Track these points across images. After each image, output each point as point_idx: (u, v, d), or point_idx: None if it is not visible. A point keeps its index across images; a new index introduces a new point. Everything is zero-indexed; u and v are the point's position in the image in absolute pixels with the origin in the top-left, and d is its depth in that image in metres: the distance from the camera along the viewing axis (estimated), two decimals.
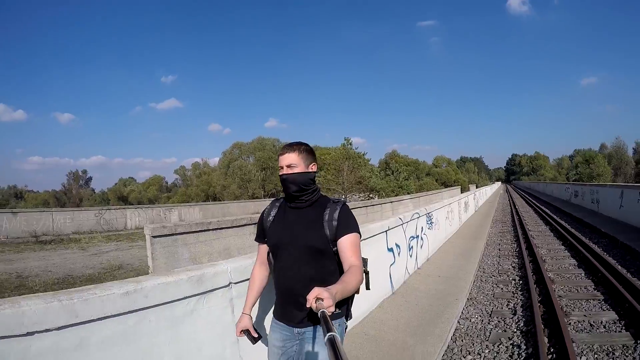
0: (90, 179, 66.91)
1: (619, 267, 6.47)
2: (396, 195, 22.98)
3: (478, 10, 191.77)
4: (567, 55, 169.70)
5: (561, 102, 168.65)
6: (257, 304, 2.00)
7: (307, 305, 1.23)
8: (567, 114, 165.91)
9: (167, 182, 69.83)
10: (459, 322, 4.37)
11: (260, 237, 1.86)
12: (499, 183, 71.28)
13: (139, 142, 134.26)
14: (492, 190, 35.03)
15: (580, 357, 3.40)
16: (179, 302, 1.93)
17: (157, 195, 62.25)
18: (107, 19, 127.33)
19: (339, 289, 1.38)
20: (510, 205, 23.08)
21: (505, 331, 4.14)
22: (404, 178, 30.49)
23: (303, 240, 1.68)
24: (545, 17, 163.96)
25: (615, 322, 4.20)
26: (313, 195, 1.75)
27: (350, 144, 25.24)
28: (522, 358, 3.48)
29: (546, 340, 3.79)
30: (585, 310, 4.64)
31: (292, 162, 1.71)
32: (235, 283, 2.22)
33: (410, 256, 6.00)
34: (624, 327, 4.05)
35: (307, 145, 1.79)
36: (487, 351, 3.67)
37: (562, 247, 8.95)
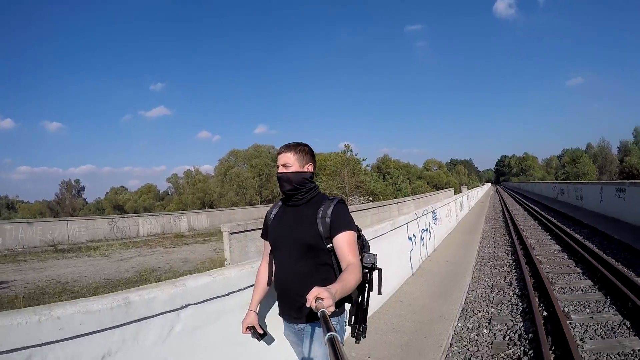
0: (83, 188, 66.13)
1: (597, 249, 7.66)
2: (394, 198, 24.27)
3: (465, 14, 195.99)
4: (553, 56, 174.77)
5: (549, 102, 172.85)
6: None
7: (307, 305, 1.23)
8: (555, 114, 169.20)
9: (159, 190, 69.87)
10: (467, 293, 5.44)
11: (265, 234, 1.94)
12: (489, 184, 73.04)
13: (128, 151, 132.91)
14: (483, 191, 36.55)
15: (563, 308, 4.49)
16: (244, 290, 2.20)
17: (152, 204, 62.30)
18: (95, 27, 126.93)
19: (338, 288, 1.38)
20: (501, 205, 24.43)
21: (504, 296, 5.23)
22: (401, 181, 31.85)
23: (296, 237, 1.72)
24: (531, 19, 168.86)
25: (591, 287, 5.33)
26: (308, 193, 1.78)
27: (351, 150, 26.22)
28: (519, 311, 4.57)
29: (537, 299, 4.88)
30: (567, 281, 5.77)
31: (288, 162, 1.76)
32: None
33: (423, 245, 7.07)
34: (597, 290, 5.18)
35: (305, 145, 1.83)
36: (492, 309, 4.74)
37: (549, 237, 10.18)
